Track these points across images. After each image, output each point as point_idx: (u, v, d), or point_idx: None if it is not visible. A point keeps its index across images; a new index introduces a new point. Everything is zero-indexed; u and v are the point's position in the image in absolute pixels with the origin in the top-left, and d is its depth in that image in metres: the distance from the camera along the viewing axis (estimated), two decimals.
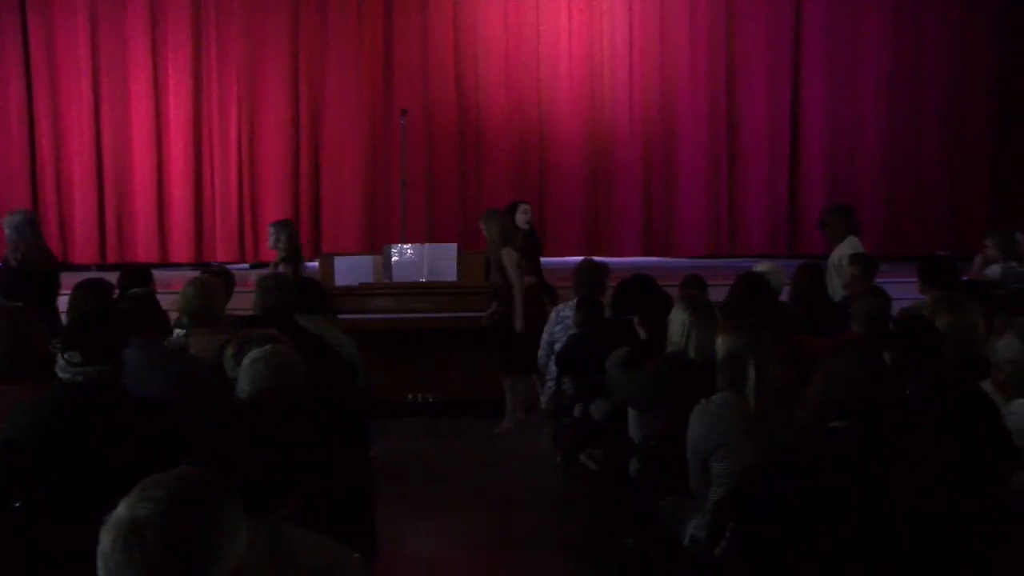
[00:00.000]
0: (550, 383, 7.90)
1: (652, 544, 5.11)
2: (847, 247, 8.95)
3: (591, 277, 7.94)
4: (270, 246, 9.79)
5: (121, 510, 1.96)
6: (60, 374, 4.01)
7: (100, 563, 1.94)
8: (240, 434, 2.71)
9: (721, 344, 4.55)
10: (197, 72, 13.06)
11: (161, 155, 13.04)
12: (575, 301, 7.84)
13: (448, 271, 9.83)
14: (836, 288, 8.54)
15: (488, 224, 9.23)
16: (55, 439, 3.92)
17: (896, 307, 6.22)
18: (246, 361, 4.11)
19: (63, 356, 4.00)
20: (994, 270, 9.02)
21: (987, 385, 4.38)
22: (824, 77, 13.54)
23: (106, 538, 1.94)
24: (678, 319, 5.35)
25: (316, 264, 10.81)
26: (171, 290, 8.12)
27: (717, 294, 7.79)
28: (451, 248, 10.02)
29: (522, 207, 9.71)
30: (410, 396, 9.74)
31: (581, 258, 8.85)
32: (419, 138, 13.04)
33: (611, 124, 13.46)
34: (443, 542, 6.82)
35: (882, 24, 13.56)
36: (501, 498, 7.60)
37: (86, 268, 12.36)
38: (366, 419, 6.41)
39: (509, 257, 9.03)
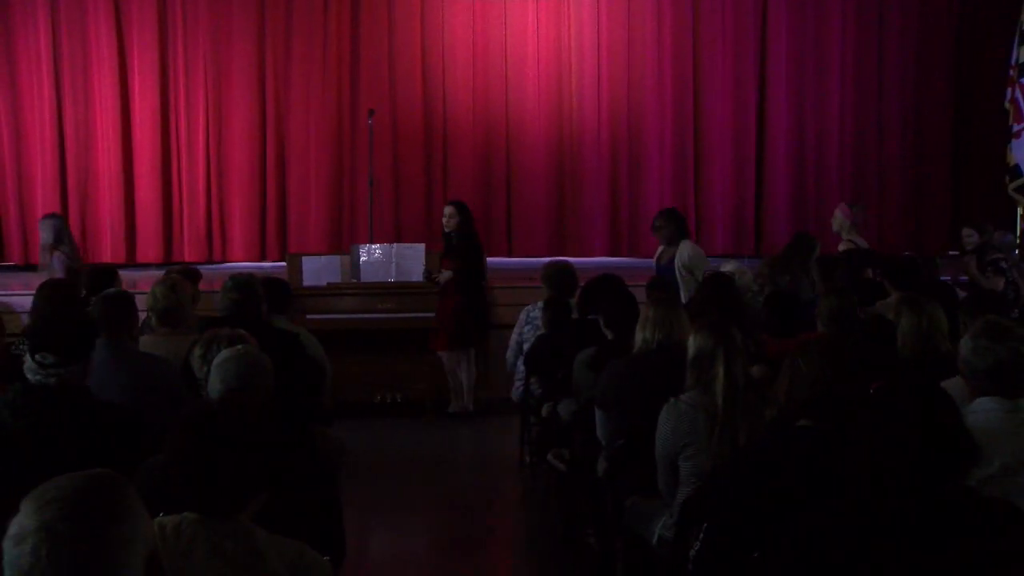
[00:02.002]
0: (518, 383, 7.92)
1: (617, 544, 5.13)
2: (685, 250, 9.06)
3: (559, 278, 7.96)
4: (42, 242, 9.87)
5: (25, 522, 1.95)
6: (29, 376, 3.97)
7: (9, 567, 1.93)
8: (205, 435, 2.70)
9: (691, 343, 4.58)
10: (163, 72, 12.97)
11: (128, 155, 12.94)
12: (543, 301, 7.86)
13: (416, 271, 9.84)
14: (684, 292, 8.68)
15: None
16: (14, 440, 3.89)
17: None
18: (216, 361, 4.09)
19: (33, 358, 3.97)
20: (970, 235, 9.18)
21: (956, 382, 4.42)
22: (789, 78, 13.60)
23: (20, 553, 1.93)
24: (644, 318, 5.38)
25: (284, 264, 10.80)
26: (138, 290, 8.08)
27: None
28: (419, 248, 10.04)
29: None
30: (378, 397, 9.74)
31: (548, 258, 8.90)
32: (386, 138, 13.01)
33: (578, 124, 13.47)
34: (409, 543, 6.82)
35: (846, 25, 13.64)
36: (468, 498, 7.61)
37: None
38: (333, 419, 6.41)
39: None
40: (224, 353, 4.11)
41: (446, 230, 9.55)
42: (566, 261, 8.76)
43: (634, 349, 5.43)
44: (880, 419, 2.72)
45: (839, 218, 9.65)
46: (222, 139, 13.07)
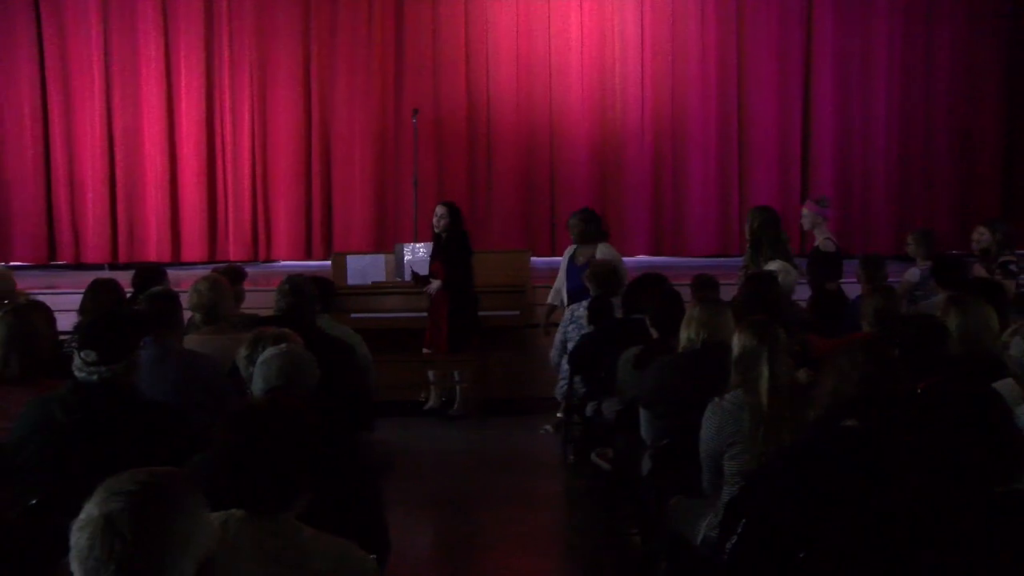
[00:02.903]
0: (563, 382, 7.92)
1: (661, 543, 5.11)
2: (600, 252, 8.96)
3: (604, 277, 7.95)
4: None
5: (91, 510, 2.02)
6: (76, 373, 4.04)
7: (76, 565, 2.00)
8: (251, 433, 2.71)
9: (735, 342, 4.56)
10: (209, 72, 13.08)
11: (173, 155, 13.05)
12: (588, 300, 7.86)
13: None
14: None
15: None
16: (65, 437, 3.95)
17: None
18: (260, 359, 4.13)
19: (79, 355, 4.03)
20: (913, 273, 8.93)
21: (1008, 384, 4.37)
22: (835, 76, 13.49)
23: (81, 538, 2.00)
24: (689, 317, 5.36)
25: (328, 263, 10.85)
26: (182, 289, 8.14)
27: (727, 293, 7.80)
28: None
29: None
30: (422, 395, 9.76)
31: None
32: (430, 137, 13.03)
33: (621, 123, 13.43)
34: (451, 541, 6.83)
35: (893, 22, 13.49)
36: (511, 497, 7.60)
37: (98, 268, 12.41)
38: (376, 418, 6.43)
39: None
40: (267, 352, 4.14)
41: (436, 230, 9.45)
42: (610, 260, 8.75)
43: (679, 348, 5.41)
44: (928, 420, 2.69)
45: (809, 216, 9.50)
46: (267, 139, 13.15)
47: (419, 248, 10.00)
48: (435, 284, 9.32)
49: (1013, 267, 8.77)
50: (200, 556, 2.07)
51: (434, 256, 9.50)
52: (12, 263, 12.23)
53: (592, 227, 9.24)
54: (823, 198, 9.87)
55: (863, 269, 8.02)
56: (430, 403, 9.67)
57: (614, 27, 13.40)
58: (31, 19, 12.82)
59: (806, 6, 13.46)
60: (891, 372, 3.53)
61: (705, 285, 7.50)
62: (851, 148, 13.58)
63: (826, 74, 13.48)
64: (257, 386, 4.03)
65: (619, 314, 7.40)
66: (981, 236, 9.13)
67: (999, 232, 9.04)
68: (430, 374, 9.65)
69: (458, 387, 9.61)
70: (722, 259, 13.06)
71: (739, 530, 3.72)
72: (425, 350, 9.52)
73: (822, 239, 9.29)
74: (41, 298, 5.90)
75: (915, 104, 13.59)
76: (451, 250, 9.35)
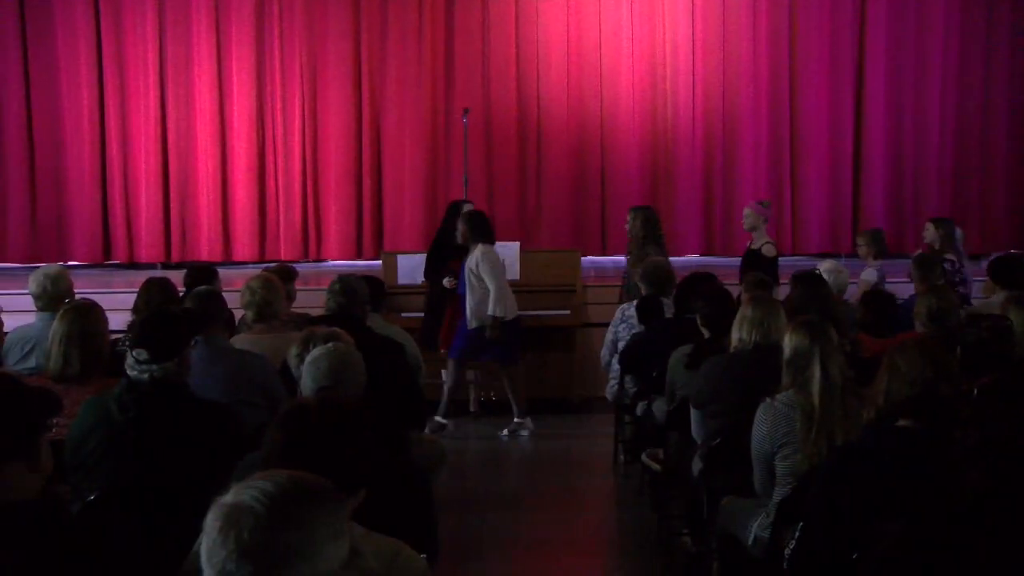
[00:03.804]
0: (613, 381, 7.89)
1: (712, 544, 5.09)
2: (477, 255, 8.74)
3: (656, 276, 7.92)
4: None
5: (230, 494, 2.01)
6: (128, 371, 4.08)
7: (203, 543, 1.99)
8: (302, 431, 2.72)
9: (787, 342, 4.53)
10: (260, 72, 13.16)
11: (225, 155, 13.15)
12: (638, 299, 7.83)
13: (510, 269, 9.82)
14: (471, 298, 8.53)
15: None
16: (120, 435, 3.99)
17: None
18: (308, 359, 4.14)
19: (131, 353, 4.07)
20: (871, 273, 8.84)
21: None
22: (888, 73, 13.35)
23: (210, 519, 1.99)
24: (741, 317, 5.33)
25: (379, 262, 10.89)
26: (234, 288, 8.20)
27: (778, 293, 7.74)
28: (513, 247, 10.02)
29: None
30: (472, 395, 9.76)
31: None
32: (480, 137, 13.05)
33: (672, 122, 13.38)
34: (501, 540, 6.83)
35: (950, 16, 13.32)
36: (562, 497, 7.60)
37: (151, 267, 12.53)
38: (426, 417, 6.44)
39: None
40: (315, 351, 4.15)
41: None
42: (663, 259, 8.71)
43: (730, 348, 5.38)
44: (988, 420, 2.66)
45: (751, 216, 9.43)
46: (318, 138, 13.22)
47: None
48: (449, 280, 9.21)
49: (948, 266, 8.82)
50: (320, 573, 2.03)
51: (451, 257, 9.40)
52: (69, 263, 12.37)
53: (470, 229, 8.91)
54: (765, 201, 9.81)
55: (917, 269, 7.93)
56: (472, 407, 9.68)
57: (665, 24, 13.35)
58: (91, 24, 12.97)
59: (859, 1, 13.34)
60: (948, 372, 3.50)
61: (758, 284, 7.45)
62: (903, 147, 13.43)
63: (879, 71, 13.35)
64: (306, 386, 4.04)
65: (669, 313, 7.37)
66: (927, 233, 9.21)
67: (942, 230, 9.12)
68: (471, 374, 9.63)
69: (472, 386, 9.62)
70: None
71: (796, 534, 3.69)
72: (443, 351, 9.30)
73: (762, 243, 9.26)
74: (96, 297, 5.95)
75: (972, 102, 13.40)
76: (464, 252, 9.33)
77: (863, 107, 13.44)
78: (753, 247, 9.36)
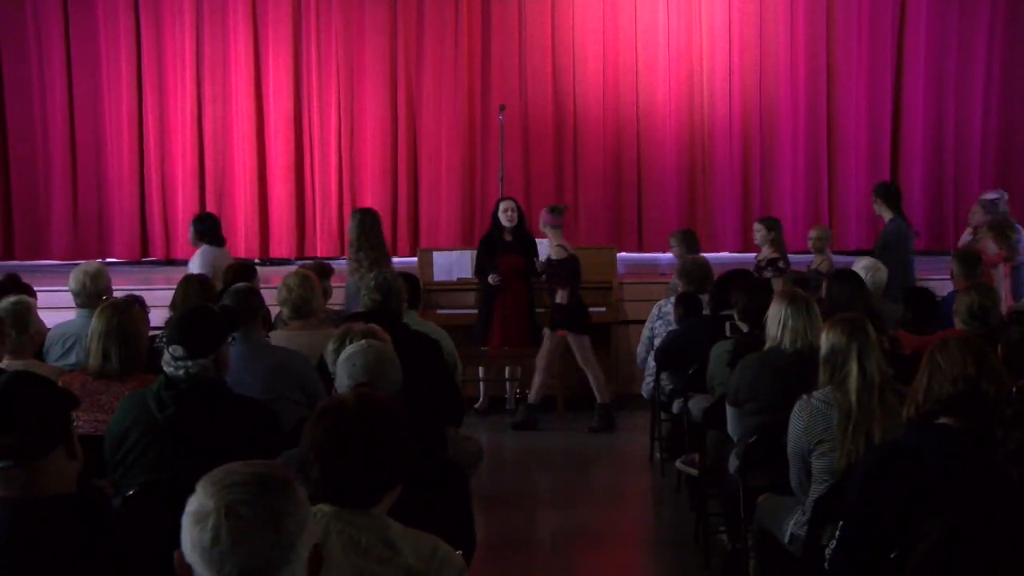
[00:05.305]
0: (649, 379, 7.88)
1: (748, 541, 5.07)
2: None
3: (695, 272, 7.90)
4: None
5: (204, 503, 2.00)
6: (165, 368, 4.11)
7: (197, 557, 1.99)
8: (340, 428, 2.73)
9: (823, 339, 4.50)
10: (297, 69, 13.21)
11: (262, 152, 13.21)
12: (675, 296, 7.81)
13: None
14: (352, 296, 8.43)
15: None
16: (159, 431, 4.02)
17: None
18: (343, 356, 4.12)
19: (168, 350, 4.09)
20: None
21: None
22: (929, 70, 13.23)
23: (202, 532, 1.98)
24: (775, 314, 5.30)
25: (415, 259, 10.91)
26: (271, 285, 8.25)
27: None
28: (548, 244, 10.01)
29: (500, 205, 9.59)
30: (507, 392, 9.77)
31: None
32: (516, 134, 13.05)
33: (709, 119, 13.33)
34: (537, 536, 6.84)
35: (995, 10, 13.17)
36: (598, 493, 7.60)
37: (187, 264, 12.59)
38: (463, 413, 6.44)
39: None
40: (350, 348, 4.13)
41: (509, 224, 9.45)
42: (702, 256, 8.69)
43: (766, 345, 5.35)
44: None
45: (541, 220, 9.46)
46: (354, 135, 13.26)
47: None
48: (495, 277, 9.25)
49: (782, 264, 8.91)
50: (310, 542, 2.07)
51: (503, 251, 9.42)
52: (108, 260, 12.46)
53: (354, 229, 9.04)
54: (559, 206, 9.72)
55: (960, 266, 7.85)
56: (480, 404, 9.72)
57: (701, 21, 13.30)
58: (132, 24, 13.06)
59: None
60: (989, 370, 3.47)
61: (797, 282, 7.42)
62: (943, 144, 13.32)
63: (919, 64, 13.23)
64: (342, 383, 4.03)
65: (707, 311, 7.34)
66: (758, 232, 9.28)
67: (774, 232, 9.17)
68: (508, 370, 9.65)
69: (508, 383, 9.65)
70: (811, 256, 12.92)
71: (837, 534, 3.67)
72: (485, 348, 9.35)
73: (555, 245, 9.20)
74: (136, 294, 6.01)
75: (1016, 96, 13.25)
76: (526, 240, 9.42)
77: (902, 104, 13.34)
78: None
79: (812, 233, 9.64)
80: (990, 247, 8.85)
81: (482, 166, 13.24)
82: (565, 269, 9.11)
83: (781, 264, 9.20)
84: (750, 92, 13.31)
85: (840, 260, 9.91)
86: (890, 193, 9.59)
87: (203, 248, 9.15)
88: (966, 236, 9.91)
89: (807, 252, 9.86)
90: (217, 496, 2.00)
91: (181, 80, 13.10)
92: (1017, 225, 9.45)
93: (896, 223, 9.39)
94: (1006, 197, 10.01)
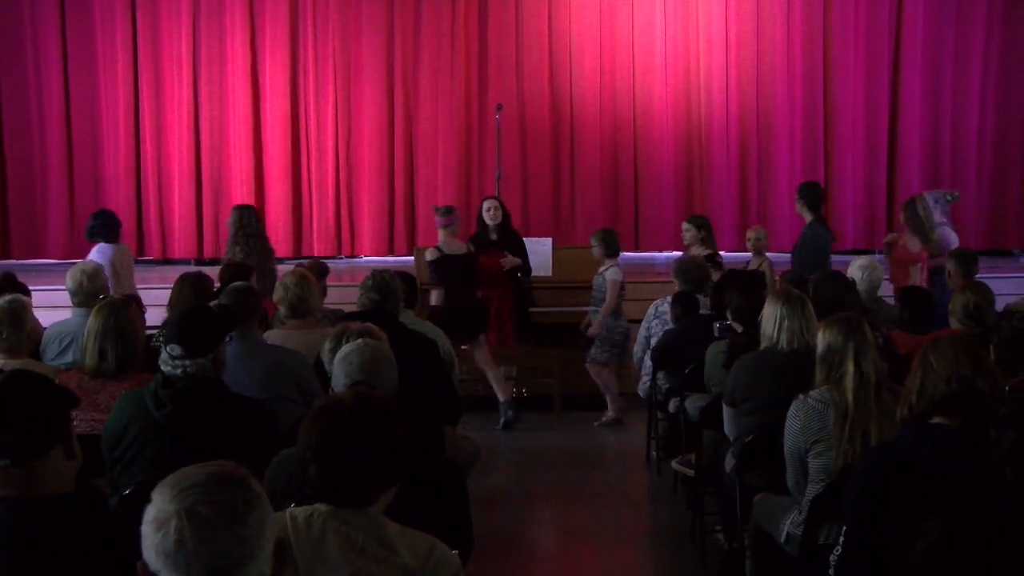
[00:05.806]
0: (645, 378, 7.88)
1: (745, 540, 5.07)
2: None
3: (692, 272, 7.90)
4: None
5: (165, 508, 2.00)
6: (163, 367, 4.10)
7: (161, 562, 1.98)
8: (337, 427, 2.73)
9: (821, 338, 4.50)
10: (294, 69, 13.24)
11: (259, 152, 13.23)
12: (671, 296, 7.81)
13: (543, 266, 9.83)
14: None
15: None
16: (156, 430, 4.02)
17: (1000, 303, 6.08)
18: (339, 355, 4.11)
19: (166, 349, 4.09)
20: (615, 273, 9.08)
21: None
22: (925, 68, 13.26)
23: (165, 536, 1.98)
24: (771, 314, 5.30)
25: (411, 258, 10.92)
26: None
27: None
28: (547, 243, 10.03)
29: (484, 204, 9.64)
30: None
31: (676, 253, 8.83)
32: (513, 133, 13.06)
33: (706, 118, 13.36)
34: (534, 535, 6.84)
35: (992, 6, 13.18)
36: (595, 493, 7.59)
37: (184, 263, 12.62)
38: (460, 413, 6.44)
39: None
40: (346, 347, 4.13)
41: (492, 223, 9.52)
42: (699, 255, 8.69)
43: (762, 345, 5.36)
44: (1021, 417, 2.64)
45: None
46: (351, 135, 13.27)
47: None
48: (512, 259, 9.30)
49: (719, 258, 9.02)
50: (273, 537, 2.08)
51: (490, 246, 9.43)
52: None
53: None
54: (446, 207, 9.73)
55: (956, 264, 7.85)
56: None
57: (698, 21, 13.33)
58: (128, 23, 13.07)
59: None
60: (983, 369, 3.47)
61: (794, 282, 7.41)
62: (940, 143, 13.35)
63: (915, 65, 13.26)
64: (338, 381, 4.03)
65: (705, 310, 7.35)
66: (687, 231, 9.32)
67: (704, 230, 9.20)
68: (503, 369, 9.62)
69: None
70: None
71: (841, 539, 3.67)
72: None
73: (434, 247, 9.24)
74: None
75: (1013, 94, 13.27)
76: (512, 239, 9.41)
77: (899, 102, 13.37)
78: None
79: (750, 234, 9.62)
80: (913, 244, 9.26)
81: (479, 166, 13.25)
82: (440, 270, 9.06)
83: (718, 258, 9.21)
84: (747, 91, 13.33)
85: (839, 259, 9.89)
86: (812, 195, 9.58)
87: (99, 245, 9.07)
88: (892, 236, 10.10)
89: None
90: (176, 500, 2.00)
91: (178, 80, 13.11)
92: (939, 222, 9.55)
93: (813, 227, 9.39)
94: (948, 197, 10.10)
